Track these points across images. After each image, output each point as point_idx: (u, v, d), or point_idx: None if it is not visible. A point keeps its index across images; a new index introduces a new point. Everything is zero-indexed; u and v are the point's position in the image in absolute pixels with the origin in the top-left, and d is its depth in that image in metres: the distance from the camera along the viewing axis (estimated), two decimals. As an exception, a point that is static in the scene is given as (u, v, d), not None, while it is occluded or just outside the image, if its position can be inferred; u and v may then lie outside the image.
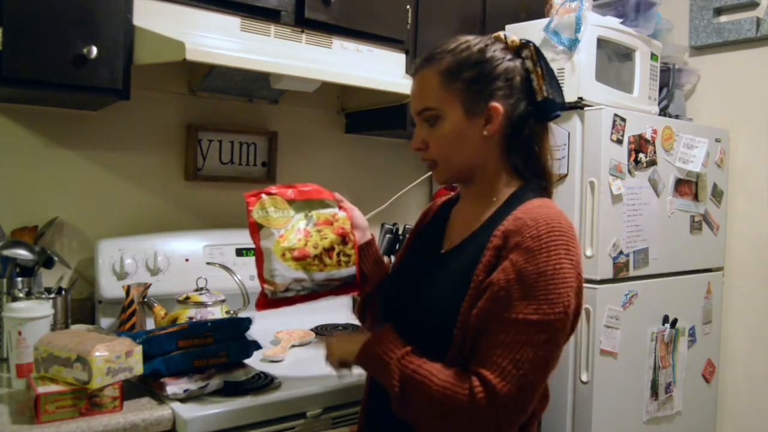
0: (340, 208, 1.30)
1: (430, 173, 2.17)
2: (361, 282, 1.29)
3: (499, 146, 1.10)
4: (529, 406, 0.98)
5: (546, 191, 1.12)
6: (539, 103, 1.09)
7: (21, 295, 1.51)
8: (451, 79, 1.07)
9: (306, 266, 1.23)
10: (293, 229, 1.25)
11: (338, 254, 1.25)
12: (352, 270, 1.27)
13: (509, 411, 0.95)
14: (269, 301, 1.26)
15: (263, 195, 1.26)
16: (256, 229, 1.24)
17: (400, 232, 2.18)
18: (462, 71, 1.07)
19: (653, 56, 2.27)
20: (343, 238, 1.26)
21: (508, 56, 1.09)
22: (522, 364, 0.94)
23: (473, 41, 1.10)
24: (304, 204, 1.29)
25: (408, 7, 2.02)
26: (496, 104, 1.06)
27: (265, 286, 1.23)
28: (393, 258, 2.13)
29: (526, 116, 1.09)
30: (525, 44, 1.10)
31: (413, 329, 1.08)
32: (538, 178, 1.12)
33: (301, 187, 1.30)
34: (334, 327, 2.01)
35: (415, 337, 1.06)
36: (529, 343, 0.94)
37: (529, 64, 1.09)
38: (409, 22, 2.03)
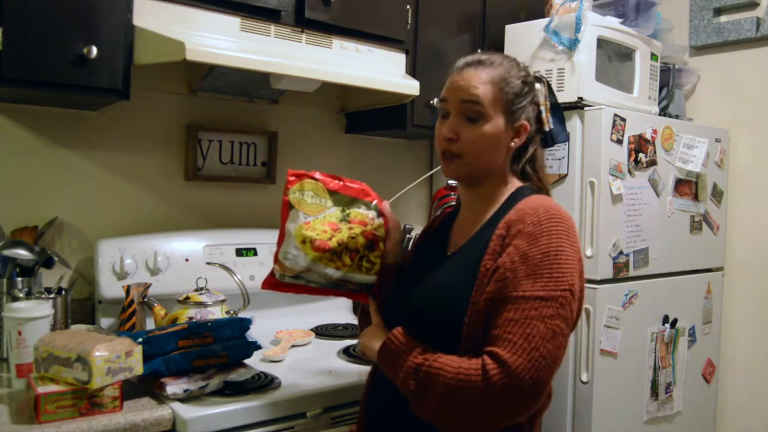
0: (381, 215, 1.26)
1: (429, 173, 2.16)
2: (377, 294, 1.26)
3: (509, 156, 1.19)
4: (545, 383, 0.98)
5: (541, 193, 1.19)
6: (544, 133, 1.21)
7: (21, 295, 1.51)
8: (502, 87, 1.13)
9: (322, 259, 1.20)
10: (323, 220, 1.22)
11: (361, 258, 1.22)
12: (372, 278, 1.24)
13: (524, 385, 0.95)
14: (276, 282, 1.25)
15: (307, 178, 1.23)
16: (287, 208, 1.22)
17: (400, 232, 2.18)
18: (511, 84, 1.14)
19: (653, 56, 2.27)
20: (372, 244, 1.23)
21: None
22: (532, 338, 0.97)
23: (511, 57, 1.19)
24: (346, 199, 1.25)
25: (408, 7, 2.02)
26: (526, 123, 1.16)
27: (275, 266, 1.23)
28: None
29: (535, 137, 1.21)
30: (539, 78, 1.21)
31: (423, 324, 1.11)
32: (533, 183, 1.21)
33: (348, 182, 1.28)
34: (334, 327, 2.01)
35: (425, 333, 1.09)
36: (538, 317, 0.98)
37: (540, 97, 1.19)
38: (409, 22, 2.03)
